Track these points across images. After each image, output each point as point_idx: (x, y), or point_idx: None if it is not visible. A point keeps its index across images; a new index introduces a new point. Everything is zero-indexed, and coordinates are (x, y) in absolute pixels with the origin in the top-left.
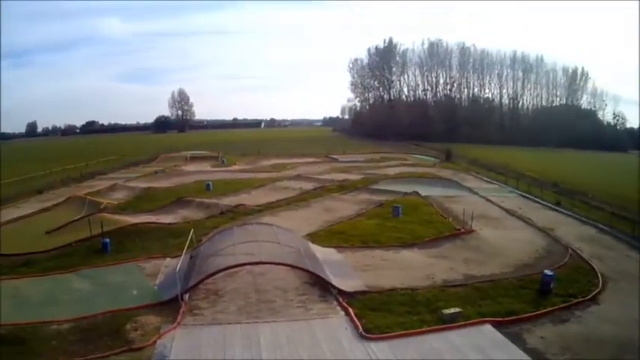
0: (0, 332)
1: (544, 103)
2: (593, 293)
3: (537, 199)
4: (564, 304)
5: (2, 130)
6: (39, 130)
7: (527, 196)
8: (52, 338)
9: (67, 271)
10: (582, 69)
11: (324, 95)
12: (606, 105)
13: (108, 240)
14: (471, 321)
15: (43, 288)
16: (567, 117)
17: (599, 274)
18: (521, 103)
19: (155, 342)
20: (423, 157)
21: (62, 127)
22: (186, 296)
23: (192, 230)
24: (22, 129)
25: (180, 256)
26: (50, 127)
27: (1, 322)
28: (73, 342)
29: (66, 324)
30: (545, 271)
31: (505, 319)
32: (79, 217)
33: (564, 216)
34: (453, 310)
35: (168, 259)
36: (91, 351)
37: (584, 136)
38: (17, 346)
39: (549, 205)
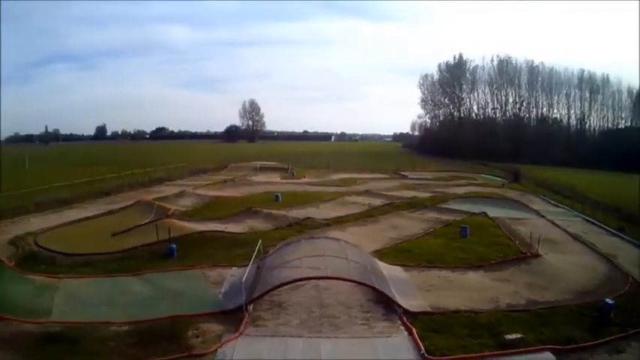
0: (55, 330)
1: (609, 124)
2: None
3: (601, 224)
4: (622, 334)
5: (70, 132)
6: (108, 133)
7: (592, 220)
8: (110, 339)
9: (130, 274)
10: None
11: (396, 110)
12: None
13: (174, 246)
14: (533, 348)
15: (102, 289)
16: (632, 139)
17: None
18: (588, 124)
19: (216, 350)
20: (490, 176)
21: (132, 131)
22: (251, 307)
23: (259, 241)
24: (91, 131)
25: (246, 265)
26: (120, 132)
27: (58, 321)
28: (131, 344)
29: (125, 326)
30: (606, 300)
31: (565, 347)
32: (146, 221)
33: (627, 242)
34: (515, 336)
35: (234, 268)
36: (149, 354)
37: None
38: (73, 345)
39: (612, 230)
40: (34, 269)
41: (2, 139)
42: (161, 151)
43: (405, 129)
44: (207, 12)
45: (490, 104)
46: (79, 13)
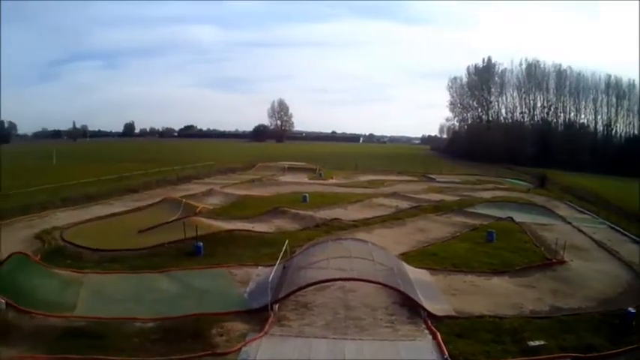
0: (80, 325)
1: (635, 131)
2: None
3: (625, 232)
4: None
5: (98, 128)
6: (136, 130)
7: (617, 227)
8: (134, 335)
9: (156, 271)
10: None
11: (424, 112)
12: None
13: (201, 244)
14: (555, 355)
15: (128, 285)
16: None
17: None
18: (614, 130)
19: (240, 349)
20: (517, 181)
21: (160, 129)
22: (276, 306)
23: (286, 241)
24: (119, 128)
25: (272, 265)
26: (148, 129)
27: (82, 315)
28: (155, 341)
29: (150, 323)
30: (629, 309)
31: (586, 355)
32: (173, 218)
33: None
34: (537, 343)
35: (260, 267)
36: (172, 351)
37: None
38: (97, 340)
39: (636, 238)
40: (59, 264)
41: (29, 134)
42: (189, 149)
43: (434, 132)
44: (234, 13)
45: (518, 108)
46: (107, 12)
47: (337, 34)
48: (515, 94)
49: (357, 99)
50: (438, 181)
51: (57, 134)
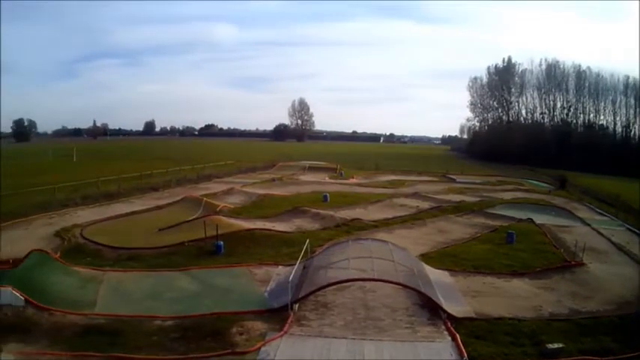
0: (99, 322)
1: None
2: None
3: None
4: None
5: (118, 126)
6: (157, 129)
7: (635, 230)
8: (153, 334)
9: (176, 270)
10: None
11: (445, 113)
12: None
13: (221, 243)
14: (573, 358)
15: (147, 283)
16: None
17: None
18: (633, 131)
19: (259, 348)
20: (537, 182)
21: (180, 127)
22: (296, 306)
23: (307, 240)
24: (140, 126)
25: (292, 265)
26: (168, 128)
27: (102, 313)
28: (174, 339)
29: (169, 321)
30: None
31: (604, 358)
32: (193, 217)
33: None
34: (556, 346)
35: (280, 267)
36: (192, 350)
37: None
38: (116, 337)
39: None
40: (79, 261)
41: (49, 132)
42: (209, 148)
43: (454, 132)
44: (255, 12)
45: (538, 109)
46: (128, 10)
47: (358, 34)
48: (535, 94)
49: (378, 99)
50: (459, 182)
51: (77, 132)
